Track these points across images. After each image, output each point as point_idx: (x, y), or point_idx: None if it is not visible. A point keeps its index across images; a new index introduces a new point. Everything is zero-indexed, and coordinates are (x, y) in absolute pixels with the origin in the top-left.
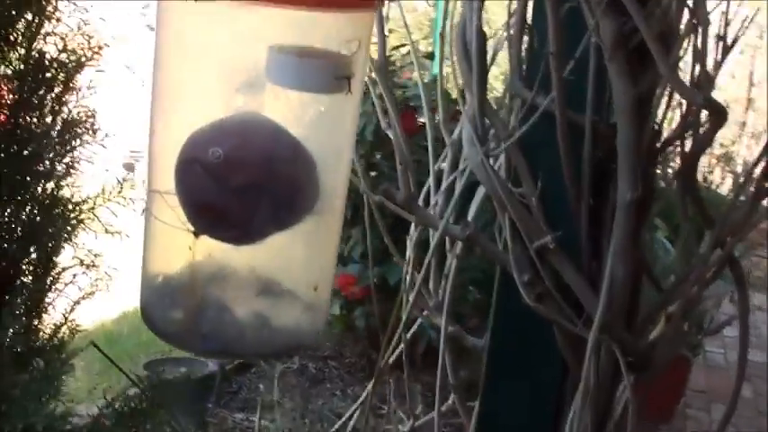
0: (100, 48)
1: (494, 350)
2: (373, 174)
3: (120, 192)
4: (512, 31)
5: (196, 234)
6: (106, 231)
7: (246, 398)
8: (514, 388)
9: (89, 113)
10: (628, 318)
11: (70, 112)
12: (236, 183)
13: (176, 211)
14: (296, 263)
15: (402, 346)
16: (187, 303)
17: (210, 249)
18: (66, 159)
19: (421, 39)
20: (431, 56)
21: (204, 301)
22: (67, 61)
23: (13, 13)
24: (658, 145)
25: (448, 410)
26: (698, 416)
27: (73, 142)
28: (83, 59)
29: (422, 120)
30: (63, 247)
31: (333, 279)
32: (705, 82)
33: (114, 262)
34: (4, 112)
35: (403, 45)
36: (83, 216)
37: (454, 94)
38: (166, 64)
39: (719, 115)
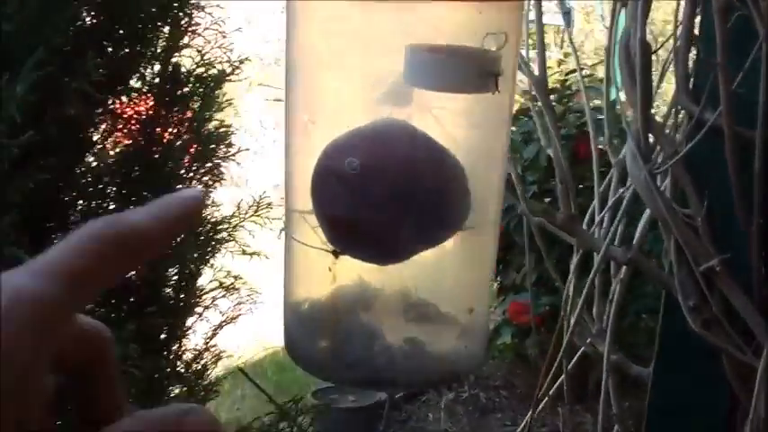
0: (241, 62)
1: (659, 378)
2: (548, 200)
3: (256, 211)
4: (678, 43)
5: (336, 254)
6: (244, 253)
7: (415, 427)
8: (681, 418)
9: (228, 129)
10: None
11: (207, 128)
12: (375, 195)
13: (316, 231)
14: (447, 283)
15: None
16: (330, 330)
17: (354, 270)
18: (206, 177)
19: (599, 63)
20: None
21: (348, 328)
22: (206, 75)
23: (149, 26)
24: None
25: None
26: None
27: (212, 159)
28: (222, 74)
29: (601, 146)
30: (203, 269)
31: (489, 301)
32: None
33: (259, 283)
34: (137, 127)
35: (581, 68)
36: (222, 236)
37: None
38: (300, 75)
39: None
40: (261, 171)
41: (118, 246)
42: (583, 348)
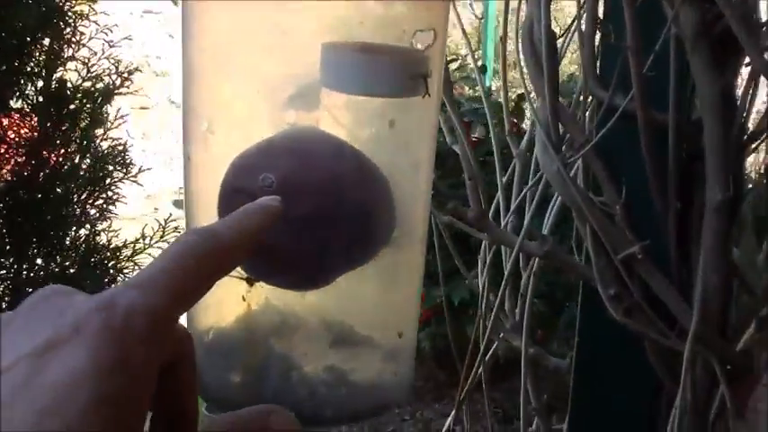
0: (130, 73)
1: (581, 370)
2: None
3: (162, 236)
4: (583, 28)
5: (250, 281)
6: None
7: None
8: (605, 408)
9: (121, 147)
10: (721, 325)
11: (98, 147)
12: (294, 215)
13: None
14: (374, 306)
15: (477, 370)
16: (245, 363)
17: (269, 297)
18: (100, 201)
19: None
20: (483, 69)
21: (266, 360)
22: (93, 90)
23: (28, 39)
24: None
25: None
26: None
27: (106, 180)
28: (111, 87)
29: (475, 136)
30: None
31: (417, 322)
32: None
33: None
34: (20, 153)
35: (454, 59)
36: (122, 264)
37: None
38: (198, 78)
39: None
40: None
41: (211, 259)
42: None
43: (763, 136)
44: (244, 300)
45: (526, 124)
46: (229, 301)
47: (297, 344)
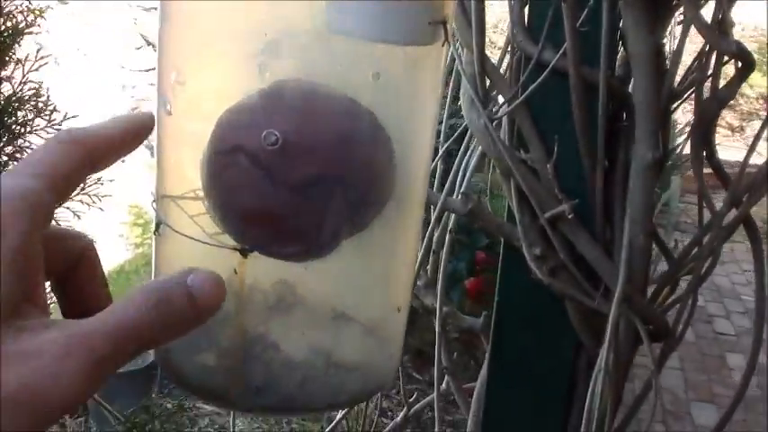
0: (41, 11)
1: (501, 331)
2: None
3: (82, 189)
4: None
5: (244, 252)
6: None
7: None
8: (524, 368)
9: (37, 90)
10: (643, 285)
11: (12, 88)
12: (300, 177)
13: (197, 221)
14: (370, 278)
15: None
16: (229, 346)
17: (264, 270)
18: (9, 149)
19: None
20: None
21: (252, 342)
22: (3, 28)
23: None
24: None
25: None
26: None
27: (18, 127)
28: (21, 26)
29: None
30: None
31: (410, 296)
32: (727, 29)
33: None
34: None
35: None
36: None
37: None
38: (175, 18)
39: (749, 66)
40: None
41: (81, 147)
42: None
43: (687, 93)
44: (236, 273)
45: None
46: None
47: (290, 324)
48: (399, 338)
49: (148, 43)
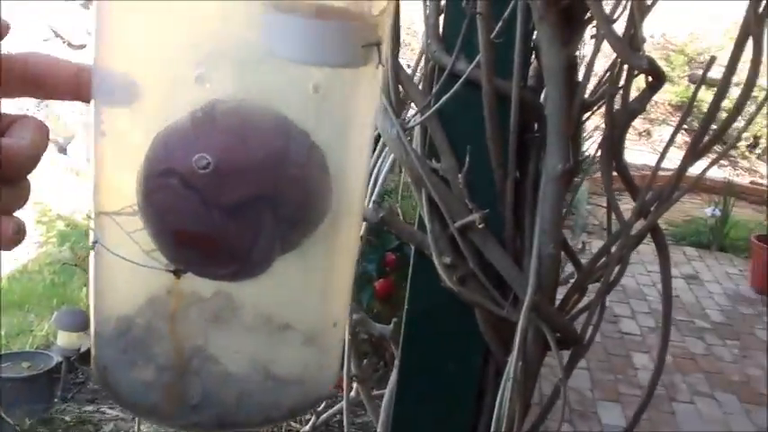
0: None
1: (410, 338)
2: None
3: None
4: None
5: (177, 273)
6: None
7: (95, 388)
8: (433, 375)
9: None
10: (552, 294)
11: None
12: (232, 199)
13: (134, 237)
14: (307, 294)
15: None
16: (166, 361)
17: (198, 289)
18: None
19: None
20: None
21: (189, 356)
22: None
23: None
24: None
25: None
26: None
27: None
28: None
29: None
30: None
31: (348, 310)
32: (639, 45)
33: None
34: None
35: None
36: None
37: None
38: (108, 35)
39: (659, 80)
40: None
41: None
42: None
43: (598, 105)
44: (169, 293)
45: None
46: (152, 296)
47: (228, 337)
48: (337, 351)
49: (56, 35)
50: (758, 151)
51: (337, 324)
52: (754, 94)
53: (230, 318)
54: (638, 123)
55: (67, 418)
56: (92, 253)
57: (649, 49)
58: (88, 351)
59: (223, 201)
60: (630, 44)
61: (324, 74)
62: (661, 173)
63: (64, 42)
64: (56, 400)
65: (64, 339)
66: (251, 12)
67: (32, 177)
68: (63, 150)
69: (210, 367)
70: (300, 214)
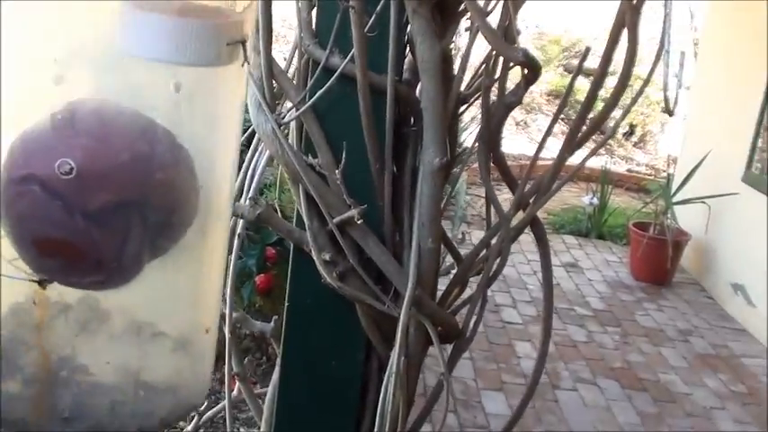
0: None
1: (291, 335)
2: None
3: None
4: None
5: (42, 283)
6: None
7: None
8: (316, 372)
9: None
10: (432, 289)
11: None
12: (97, 204)
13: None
14: (177, 300)
15: None
16: (34, 372)
17: (64, 298)
18: None
19: None
20: None
21: (58, 366)
22: None
23: None
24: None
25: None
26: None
27: None
28: None
29: None
30: None
31: (219, 316)
32: (514, 37)
33: None
34: None
35: None
36: None
37: None
38: None
39: (535, 72)
40: None
41: None
42: None
43: (474, 98)
44: (35, 304)
45: None
46: (16, 306)
47: (98, 345)
48: (210, 358)
49: None
50: (634, 139)
51: (210, 330)
52: (629, 82)
53: (99, 326)
54: (515, 113)
55: None
56: None
57: (524, 39)
58: None
59: (88, 206)
60: (505, 36)
61: (187, 73)
62: (540, 162)
63: None
64: None
65: None
66: (110, 10)
67: None
68: None
69: (80, 378)
70: (168, 218)
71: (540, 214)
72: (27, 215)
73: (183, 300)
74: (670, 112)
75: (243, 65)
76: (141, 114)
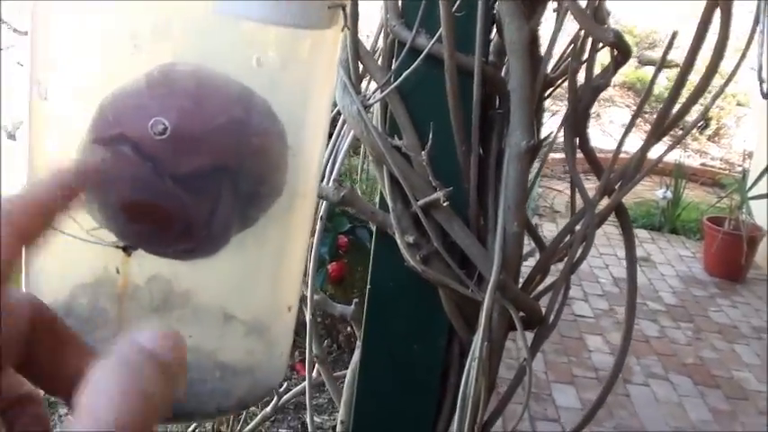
0: None
1: (373, 318)
2: None
3: None
4: None
5: (127, 250)
6: None
7: None
8: (397, 356)
9: None
10: (516, 273)
11: None
12: (189, 168)
13: (80, 219)
14: (260, 278)
15: None
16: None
17: (148, 269)
18: None
19: None
20: None
21: None
22: None
23: None
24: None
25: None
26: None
27: None
28: None
29: None
30: None
31: (299, 294)
32: (603, 18)
33: None
34: None
35: None
36: None
37: None
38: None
39: (626, 54)
40: None
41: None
42: None
43: (561, 80)
44: (118, 272)
45: None
46: (98, 277)
47: (176, 325)
48: (288, 337)
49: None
50: (708, 133)
51: (291, 309)
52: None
53: (178, 303)
54: None
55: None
56: None
57: None
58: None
59: (180, 170)
60: (595, 17)
61: (283, 36)
62: (608, 155)
63: (9, 28)
64: None
65: None
66: None
67: None
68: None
69: None
70: (259, 187)
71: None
72: (115, 177)
73: (266, 277)
74: (764, 95)
75: (342, 30)
76: (236, 80)
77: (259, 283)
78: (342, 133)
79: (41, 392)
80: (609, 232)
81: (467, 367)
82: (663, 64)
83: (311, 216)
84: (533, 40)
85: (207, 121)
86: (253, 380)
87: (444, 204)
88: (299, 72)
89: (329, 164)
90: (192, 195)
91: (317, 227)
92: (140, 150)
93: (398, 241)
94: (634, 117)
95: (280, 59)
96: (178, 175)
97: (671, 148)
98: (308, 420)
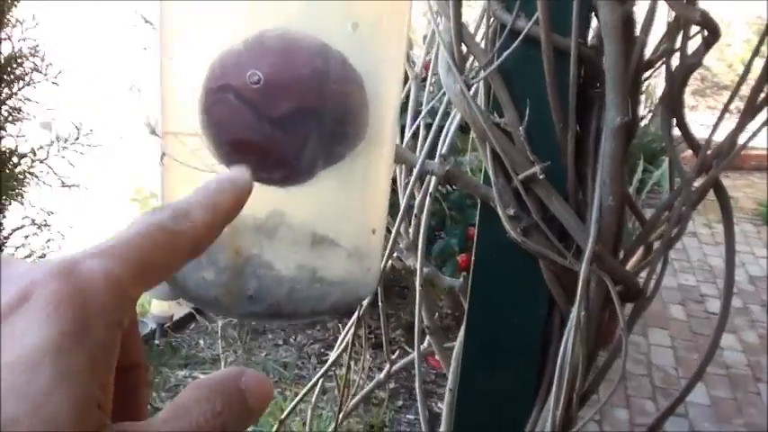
0: None
1: (477, 289)
2: None
3: (77, 139)
4: None
5: None
6: (63, 185)
7: (188, 354)
8: (500, 325)
9: (34, 49)
10: (613, 246)
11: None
12: (280, 111)
13: (196, 155)
14: (349, 204)
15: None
16: (226, 262)
17: (251, 199)
18: (10, 102)
19: None
20: None
21: (245, 258)
22: None
23: None
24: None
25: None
26: (634, 339)
27: (16, 83)
28: None
29: None
30: (9, 204)
31: (385, 218)
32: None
33: (70, 219)
34: None
35: None
36: (33, 168)
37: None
38: None
39: (714, 33)
40: None
41: (181, 239)
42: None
43: (659, 64)
44: None
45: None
46: None
47: (273, 243)
48: (377, 255)
49: (145, 20)
50: None
51: (376, 231)
52: None
53: (281, 229)
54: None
55: (161, 383)
56: (160, 167)
57: None
58: (181, 319)
59: (273, 113)
60: None
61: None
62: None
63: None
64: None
65: (157, 308)
66: None
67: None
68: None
69: (264, 271)
70: (342, 128)
71: (750, 204)
72: (223, 119)
73: (354, 204)
74: None
75: None
76: (319, 40)
77: (348, 209)
78: (452, 114)
79: None
80: (747, 231)
81: (565, 336)
82: (757, 52)
83: (391, 157)
84: (627, 22)
85: (293, 71)
86: (344, 289)
87: (542, 178)
88: (376, 32)
89: (441, 142)
90: (284, 133)
91: (426, 203)
92: (241, 97)
93: (500, 213)
94: (730, 99)
95: (360, 21)
96: (272, 117)
97: (764, 124)
98: (416, 387)
